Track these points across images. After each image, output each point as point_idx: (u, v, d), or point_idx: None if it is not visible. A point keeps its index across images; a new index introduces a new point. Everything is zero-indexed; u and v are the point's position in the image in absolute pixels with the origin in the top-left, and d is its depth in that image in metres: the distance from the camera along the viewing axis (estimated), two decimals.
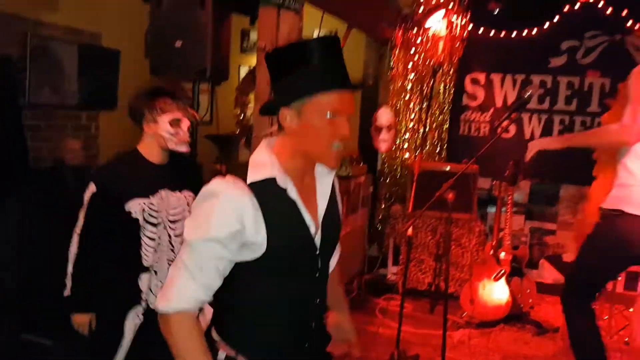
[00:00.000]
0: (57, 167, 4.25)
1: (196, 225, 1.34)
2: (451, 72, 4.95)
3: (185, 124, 2.27)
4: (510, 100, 4.91)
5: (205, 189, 1.37)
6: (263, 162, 1.38)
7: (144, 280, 2.22)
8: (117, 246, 2.21)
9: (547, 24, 4.79)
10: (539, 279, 4.77)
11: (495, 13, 4.74)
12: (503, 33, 4.89)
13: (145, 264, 2.21)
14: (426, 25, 4.85)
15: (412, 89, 5.02)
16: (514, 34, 4.87)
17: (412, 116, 5.02)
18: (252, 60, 5.72)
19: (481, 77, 5.02)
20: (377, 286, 4.64)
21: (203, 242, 1.32)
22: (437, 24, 4.82)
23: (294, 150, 1.40)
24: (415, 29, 4.92)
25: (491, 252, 4.11)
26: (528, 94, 2.67)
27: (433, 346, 3.60)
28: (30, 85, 4.46)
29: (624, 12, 4.56)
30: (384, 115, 3.95)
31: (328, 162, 1.41)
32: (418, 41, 4.93)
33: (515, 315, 4.10)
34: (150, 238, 2.19)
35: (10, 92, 4.18)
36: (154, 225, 2.20)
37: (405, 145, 5.10)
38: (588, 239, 2.80)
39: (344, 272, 4.77)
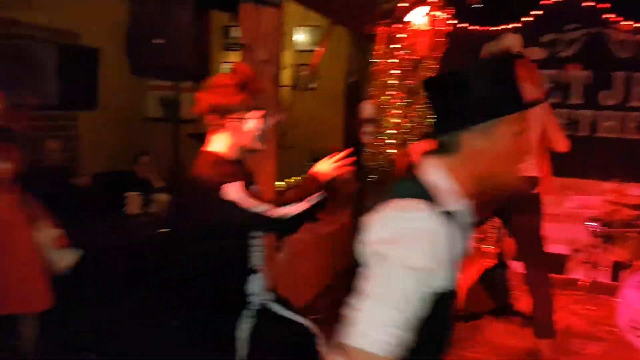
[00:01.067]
0: (35, 169, 4.18)
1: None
2: (434, 67, 4.95)
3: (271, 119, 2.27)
4: None
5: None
6: (447, 190, 1.25)
7: (252, 283, 2.16)
8: (226, 248, 2.12)
9: (527, 18, 4.81)
10: (524, 271, 4.79)
11: (474, 7, 4.76)
12: (485, 28, 4.90)
13: (252, 266, 2.15)
14: (406, 20, 4.85)
15: (394, 84, 5.01)
16: (494, 29, 4.88)
17: (397, 111, 5.02)
18: (235, 56, 5.68)
19: None
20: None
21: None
22: (419, 18, 4.82)
23: (473, 175, 1.28)
24: (398, 24, 4.91)
25: (477, 244, 4.13)
26: None
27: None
28: (8, 87, 4.39)
29: (603, 5, 4.60)
30: (365, 109, 3.95)
31: (513, 182, 1.32)
32: (401, 36, 4.93)
33: (501, 308, 4.12)
34: (256, 238, 2.15)
35: None
36: None
37: (390, 141, 5.10)
38: None
39: (330, 271, 4.77)
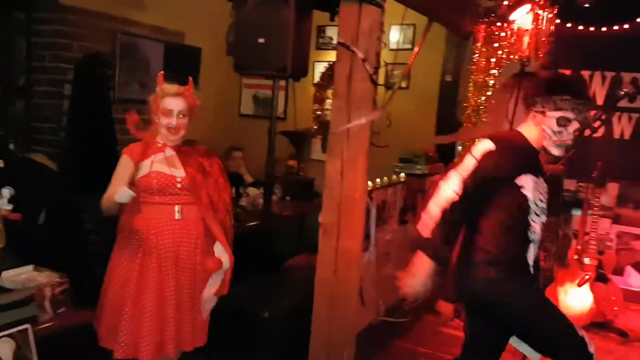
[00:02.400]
0: None
1: None
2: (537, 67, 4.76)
3: (574, 126, 2.21)
4: (599, 98, 4.66)
5: None
6: None
7: (530, 252, 2.23)
8: (507, 217, 2.18)
9: (639, 19, 4.50)
10: (624, 285, 4.52)
11: (586, 6, 4.50)
12: (592, 28, 4.64)
13: (531, 237, 2.22)
14: (511, 19, 4.67)
15: (494, 85, 4.86)
16: (604, 29, 4.61)
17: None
18: (328, 56, 5.74)
19: (568, 73, 4.78)
20: None
21: None
22: (522, 17, 4.64)
23: None
24: (499, 22, 4.75)
25: (575, 256, 3.92)
26: (624, 91, 2.51)
27: (511, 351, 3.48)
28: (119, 81, 4.70)
29: None
30: None
31: None
32: (502, 35, 4.77)
33: (598, 323, 3.90)
34: (537, 214, 2.21)
35: (101, 87, 4.42)
36: (541, 201, 2.22)
37: None
38: None
39: None
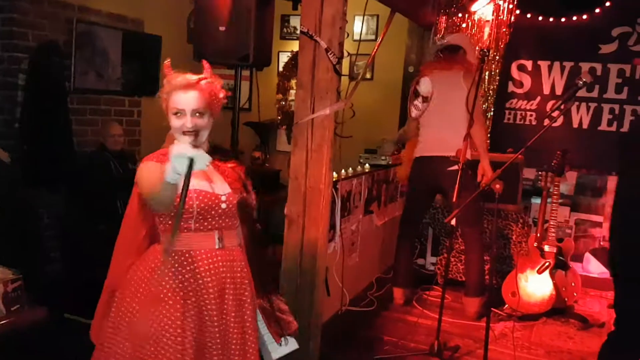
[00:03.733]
0: (100, 151, 4.33)
1: None
2: (497, 58, 4.82)
3: None
4: (558, 88, 4.75)
5: None
6: None
7: None
8: None
9: (597, 9, 4.60)
10: (584, 272, 4.64)
11: None
12: (551, 19, 4.72)
13: None
14: (472, 10, 4.72)
15: None
16: (563, 20, 4.70)
17: None
18: (292, 46, 5.70)
19: (528, 63, 4.86)
20: (415, 276, 4.59)
21: None
22: (483, 8, 4.69)
23: None
24: (460, 13, 4.79)
25: (535, 244, 4.00)
26: (582, 81, 2.56)
27: (473, 338, 3.54)
28: (76, 71, 4.56)
29: None
30: (425, 85, 3.90)
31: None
32: (463, 26, 4.82)
33: (559, 309, 3.99)
34: None
35: (56, 77, 4.28)
36: None
37: None
38: None
39: (380, 262, 4.75)
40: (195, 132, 1.84)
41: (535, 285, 3.93)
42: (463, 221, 3.78)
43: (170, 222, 1.83)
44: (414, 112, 3.96)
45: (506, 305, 4.02)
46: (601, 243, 4.70)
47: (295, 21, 5.62)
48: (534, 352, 3.46)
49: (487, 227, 4.25)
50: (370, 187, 4.26)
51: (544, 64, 4.82)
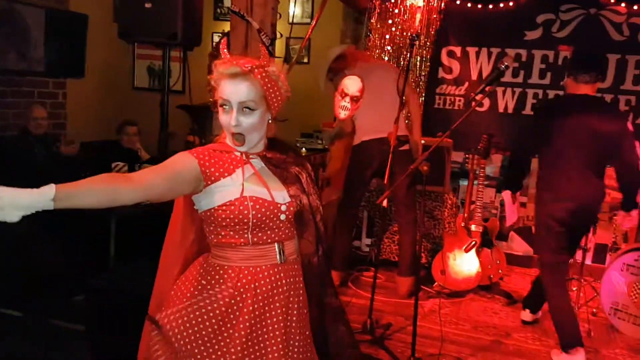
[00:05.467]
0: (23, 135, 4.12)
1: None
2: (428, 44, 4.93)
3: None
4: (485, 74, 4.91)
5: None
6: None
7: None
8: None
9: None
10: (508, 250, 4.85)
11: None
12: (480, 5, 4.86)
13: None
14: None
15: (388, 60, 4.98)
16: (490, 7, 4.85)
17: None
18: (226, 26, 5.59)
19: (457, 50, 5.00)
20: (351, 258, 4.66)
21: None
22: None
23: None
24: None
25: (462, 224, 4.15)
26: (504, 65, 2.65)
27: (405, 315, 3.65)
28: None
29: None
30: (354, 84, 3.89)
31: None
32: (395, 12, 4.89)
33: (485, 286, 4.17)
34: None
35: None
36: None
37: None
38: None
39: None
40: (242, 137, 1.57)
41: (463, 264, 4.08)
42: (396, 203, 3.86)
43: (223, 233, 1.60)
44: (342, 114, 3.90)
45: (435, 283, 4.16)
46: (525, 222, 4.93)
47: (228, 1, 5.52)
48: (461, 327, 3.60)
49: (417, 209, 4.37)
50: None
51: (472, 50, 4.97)
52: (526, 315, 3.68)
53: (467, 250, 4.09)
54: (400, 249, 4.07)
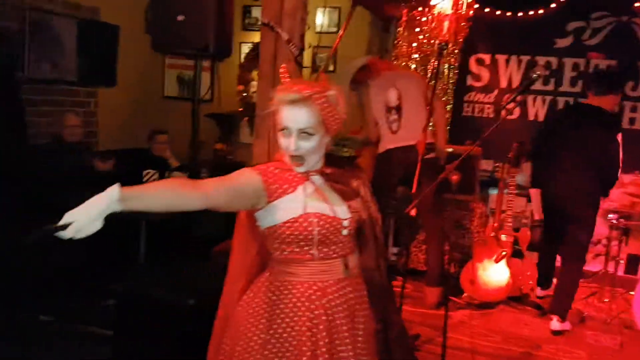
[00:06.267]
0: (55, 143, 4.21)
1: None
2: (456, 52, 4.90)
3: None
4: (515, 82, 4.86)
5: None
6: None
7: None
8: None
9: (553, 4, 4.72)
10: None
11: None
12: (509, 13, 4.82)
13: None
14: (432, 3, 4.78)
15: (416, 68, 4.97)
16: (520, 14, 4.80)
17: None
18: (254, 37, 5.65)
19: (486, 57, 4.96)
20: None
21: None
22: (443, 2, 4.75)
23: None
24: (421, 7, 4.84)
25: (492, 233, 4.10)
26: (536, 74, 2.63)
27: (433, 326, 3.61)
28: (30, 60, 4.41)
29: None
30: (392, 96, 3.90)
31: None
32: (423, 20, 4.87)
33: (515, 297, 4.11)
34: None
35: (8, 67, 4.13)
36: None
37: None
38: None
39: None
40: (300, 158, 1.61)
41: (492, 274, 4.03)
42: (423, 212, 3.84)
43: (288, 250, 1.62)
44: (395, 127, 3.91)
45: (464, 294, 4.11)
46: None
47: (257, 12, 5.58)
48: (491, 339, 3.55)
49: (444, 217, 4.33)
50: None
51: (501, 58, 4.92)
52: (555, 324, 3.62)
53: (497, 261, 4.04)
54: (428, 259, 4.04)
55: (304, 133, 1.57)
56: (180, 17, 2.77)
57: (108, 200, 1.31)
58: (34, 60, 4.45)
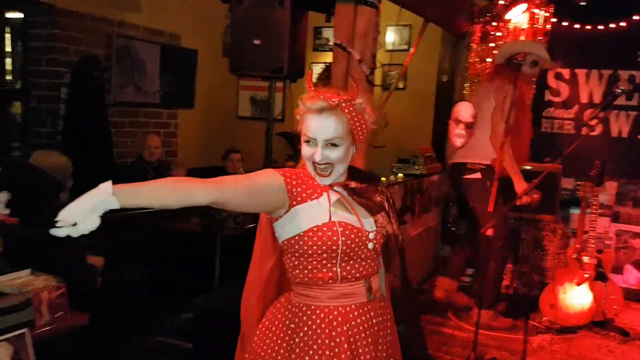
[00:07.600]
0: (139, 162, 4.44)
1: None
2: None
3: None
4: (596, 97, 4.65)
5: None
6: None
7: None
8: None
9: (636, 16, 4.50)
10: (624, 284, 4.51)
11: (582, 4, 4.49)
12: (588, 26, 4.64)
13: None
14: (506, 18, 4.68)
15: None
16: (600, 27, 4.61)
17: None
18: (324, 57, 5.74)
19: (565, 72, 4.78)
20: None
21: None
22: (518, 16, 4.64)
23: None
24: (495, 22, 4.75)
25: (574, 255, 3.92)
26: (620, 89, 2.52)
27: (511, 350, 3.48)
28: (116, 84, 4.70)
29: None
30: (467, 110, 3.83)
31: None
32: (498, 35, 4.77)
33: (599, 322, 3.89)
34: None
35: (97, 91, 4.42)
36: None
37: None
38: None
39: (416, 273, 4.71)
40: (326, 169, 1.51)
41: (574, 297, 3.84)
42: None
43: (310, 267, 1.51)
44: (458, 142, 3.85)
45: (544, 318, 3.93)
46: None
47: (327, 33, 5.67)
48: None
49: (524, 238, 4.19)
50: (404, 197, 4.24)
51: (581, 72, 4.73)
52: None
53: (579, 284, 3.85)
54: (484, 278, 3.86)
55: (331, 143, 1.49)
56: (256, 41, 2.87)
57: (99, 193, 1.26)
58: (120, 85, 4.73)
